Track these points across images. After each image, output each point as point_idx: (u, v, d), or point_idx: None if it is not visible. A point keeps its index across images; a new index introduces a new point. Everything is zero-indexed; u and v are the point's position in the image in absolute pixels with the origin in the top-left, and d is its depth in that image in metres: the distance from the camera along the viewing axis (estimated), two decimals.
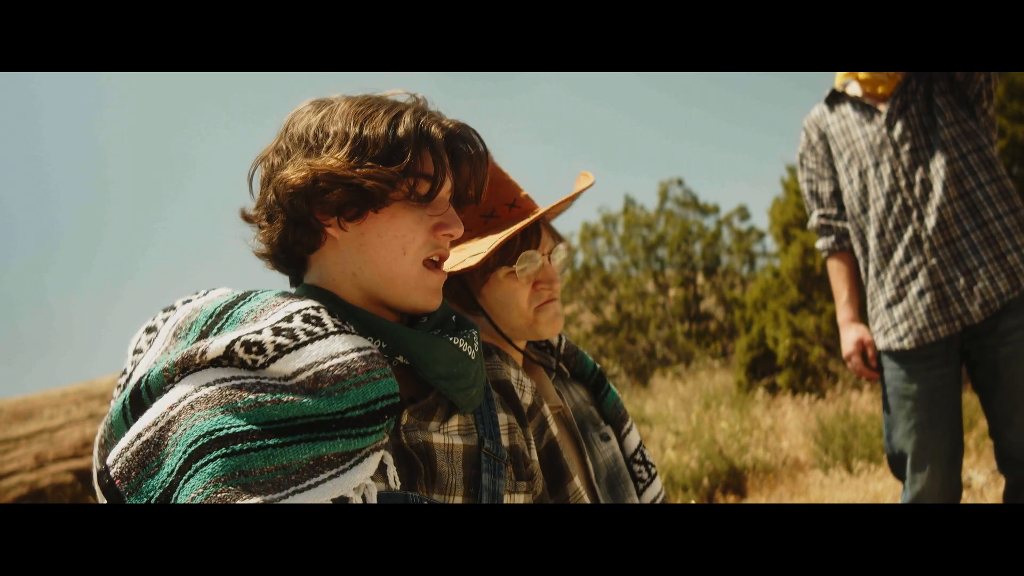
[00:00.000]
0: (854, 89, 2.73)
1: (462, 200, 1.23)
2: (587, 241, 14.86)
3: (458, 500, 1.12)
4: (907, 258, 2.57)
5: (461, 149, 1.19)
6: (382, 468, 1.07)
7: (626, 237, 14.67)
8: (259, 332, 1.02)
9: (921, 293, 2.54)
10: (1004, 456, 2.51)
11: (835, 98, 2.77)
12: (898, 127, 2.59)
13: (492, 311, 1.57)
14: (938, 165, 2.52)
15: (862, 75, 2.68)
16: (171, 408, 0.99)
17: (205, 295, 1.14)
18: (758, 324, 9.11)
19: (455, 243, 1.52)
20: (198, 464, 0.95)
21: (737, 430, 6.54)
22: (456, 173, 1.20)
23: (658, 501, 1.66)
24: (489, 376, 1.26)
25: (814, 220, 2.83)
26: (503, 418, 1.23)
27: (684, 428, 6.91)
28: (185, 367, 1.01)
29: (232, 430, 0.96)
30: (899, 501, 2.72)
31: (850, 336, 2.72)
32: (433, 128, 1.13)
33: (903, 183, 2.57)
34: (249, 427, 0.96)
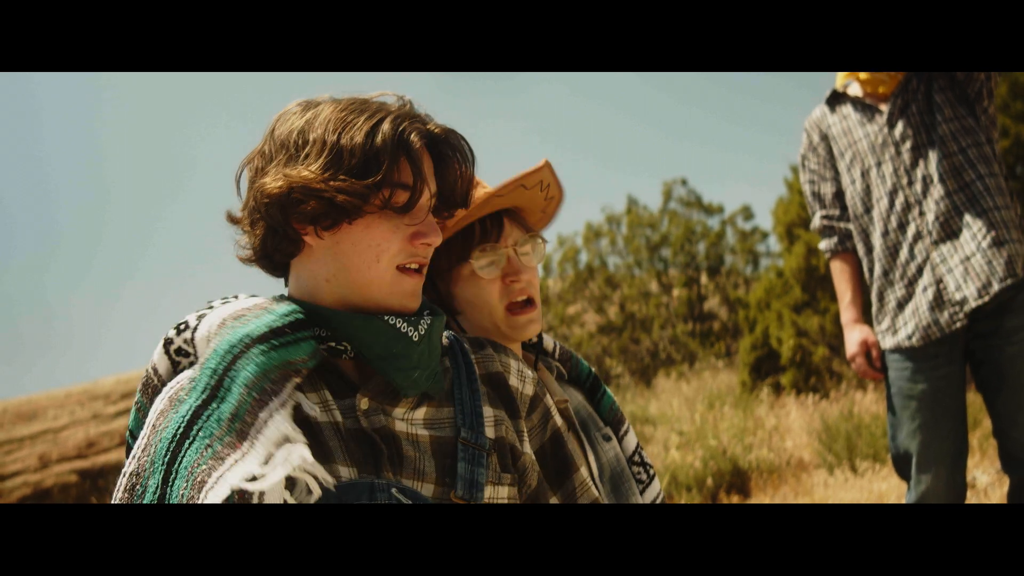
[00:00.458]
0: (855, 89, 2.73)
1: (448, 205, 1.23)
2: (591, 241, 14.85)
3: (430, 486, 1.13)
4: (912, 255, 2.57)
5: (446, 154, 1.19)
6: (328, 450, 1.09)
7: (630, 237, 14.67)
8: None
9: (925, 289, 2.54)
10: (1008, 456, 2.50)
11: (836, 99, 2.77)
12: (899, 126, 2.59)
13: (464, 311, 1.53)
14: (937, 160, 2.53)
15: (863, 75, 2.68)
16: None
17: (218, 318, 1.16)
18: (762, 324, 9.11)
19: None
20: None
21: (741, 430, 6.54)
22: (440, 178, 1.20)
23: (658, 501, 1.65)
24: (480, 369, 1.26)
25: (817, 221, 2.83)
26: (488, 411, 1.22)
27: (688, 428, 6.91)
28: None
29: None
30: (903, 501, 2.72)
31: (854, 337, 2.72)
32: (413, 136, 1.13)
33: (904, 181, 2.57)
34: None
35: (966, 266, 2.49)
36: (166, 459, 1.03)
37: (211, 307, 1.19)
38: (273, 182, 1.10)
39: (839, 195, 2.77)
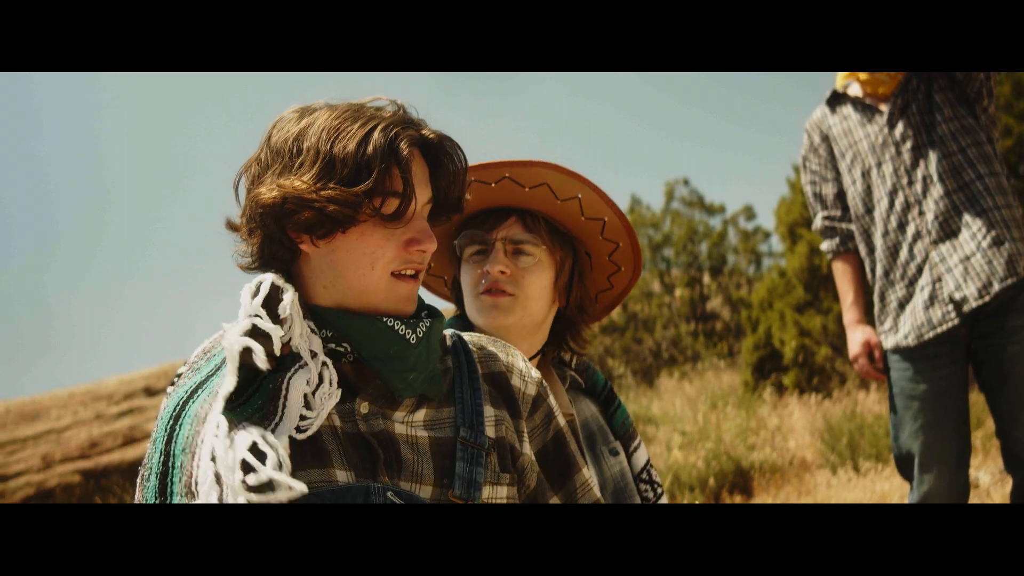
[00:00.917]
0: (855, 90, 2.73)
1: (444, 210, 1.24)
2: None
3: (428, 488, 1.13)
4: (912, 255, 2.57)
5: (440, 160, 1.20)
6: (326, 454, 1.10)
7: None
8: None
9: (923, 289, 2.54)
10: (1011, 455, 2.50)
11: (836, 99, 2.77)
12: (899, 126, 2.59)
13: (464, 298, 1.61)
14: (937, 159, 2.53)
15: (863, 76, 2.68)
16: None
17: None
18: (764, 324, 9.10)
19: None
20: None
21: (743, 430, 6.53)
22: (435, 184, 1.21)
23: None
24: (482, 369, 1.26)
25: (818, 222, 2.83)
26: (490, 410, 1.23)
27: (690, 428, 6.90)
28: None
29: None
30: (906, 501, 2.72)
31: (856, 337, 2.72)
32: (404, 143, 1.13)
33: (904, 181, 2.57)
34: None
35: (966, 266, 2.49)
36: (168, 425, 1.14)
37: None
38: (268, 192, 1.11)
39: (840, 196, 2.77)
